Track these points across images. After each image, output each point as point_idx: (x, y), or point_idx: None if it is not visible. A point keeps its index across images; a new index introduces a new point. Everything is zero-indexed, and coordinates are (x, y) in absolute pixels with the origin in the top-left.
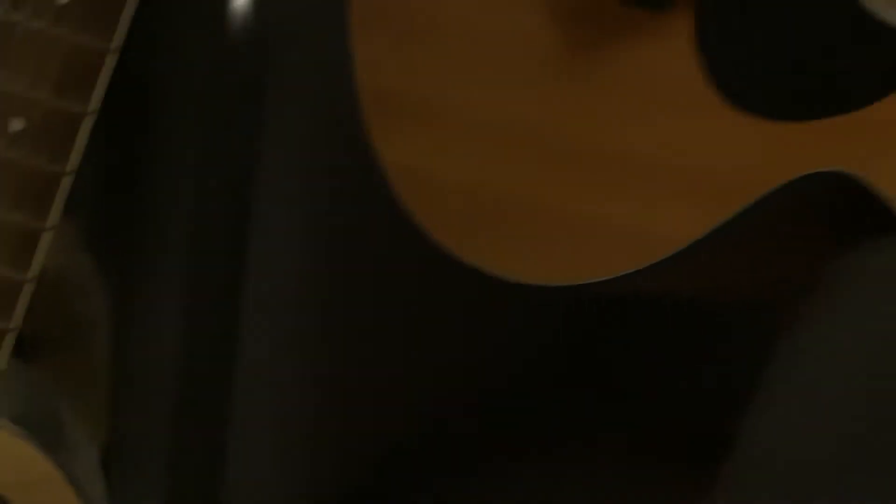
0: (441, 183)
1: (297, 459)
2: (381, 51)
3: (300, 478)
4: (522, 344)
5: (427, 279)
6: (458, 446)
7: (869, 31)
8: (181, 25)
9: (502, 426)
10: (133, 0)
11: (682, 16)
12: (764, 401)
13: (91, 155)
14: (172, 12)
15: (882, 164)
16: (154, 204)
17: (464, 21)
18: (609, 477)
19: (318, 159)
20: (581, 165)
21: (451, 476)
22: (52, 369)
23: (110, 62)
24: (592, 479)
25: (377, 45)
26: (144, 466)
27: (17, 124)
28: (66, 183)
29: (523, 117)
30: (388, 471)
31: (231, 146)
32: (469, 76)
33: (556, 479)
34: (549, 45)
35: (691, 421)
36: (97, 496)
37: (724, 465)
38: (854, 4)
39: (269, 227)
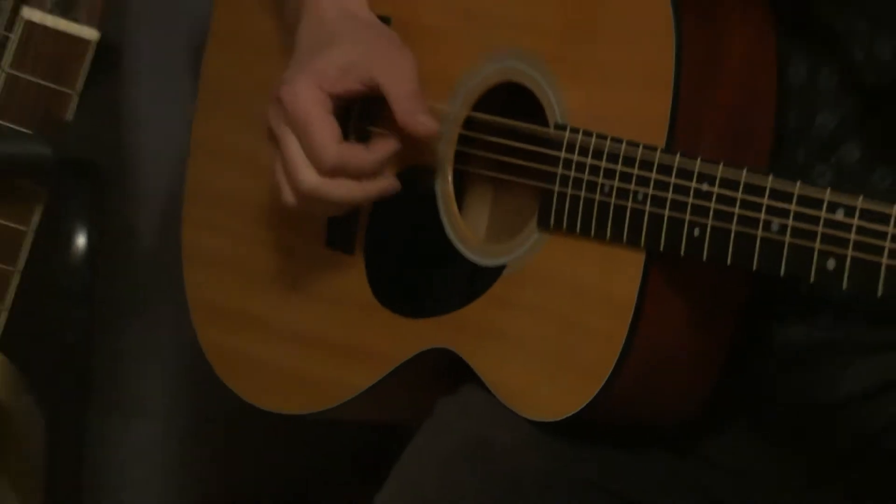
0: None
1: None
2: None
3: None
4: None
5: None
6: None
7: (455, 262)
8: None
9: None
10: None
11: (359, 255)
12: None
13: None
14: None
15: (471, 343)
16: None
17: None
18: None
19: None
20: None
21: None
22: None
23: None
24: None
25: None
26: None
27: None
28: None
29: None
30: None
31: None
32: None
33: None
34: (283, 265)
35: None
36: None
37: None
38: (448, 244)
39: None
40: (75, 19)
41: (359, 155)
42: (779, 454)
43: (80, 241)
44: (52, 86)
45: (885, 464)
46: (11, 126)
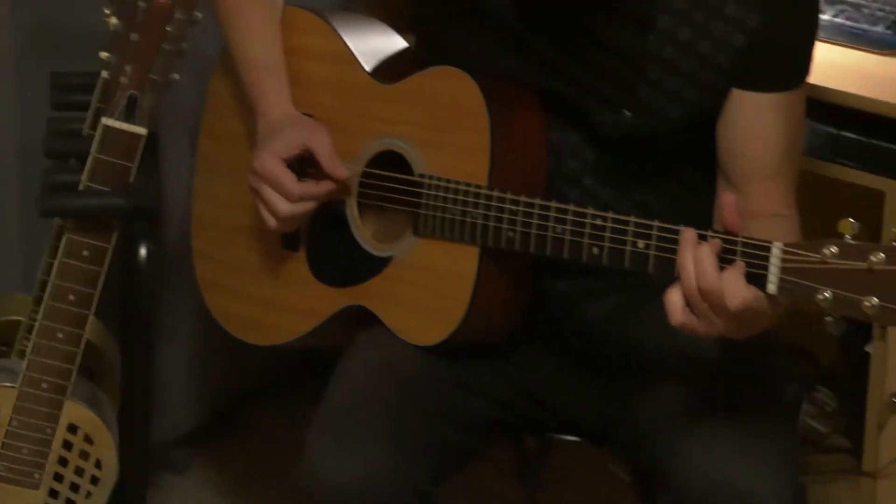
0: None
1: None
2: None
3: None
4: None
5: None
6: None
7: (361, 254)
8: None
9: None
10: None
11: (302, 252)
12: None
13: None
14: None
15: (376, 301)
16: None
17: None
18: None
19: None
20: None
21: None
22: (98, 380)
23: None
24: None
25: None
26: None
27: None
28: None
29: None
30: None
31: None
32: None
33: None
34: (258, 261)
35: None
36: (115, 434)
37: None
38: (356, 244)
39: None
40: (132, 122)
41: (311, 187)
42: (560, 359)
43: (143, 252)
44: (120, 162)
45: (617, 360)
46: (100, 187)
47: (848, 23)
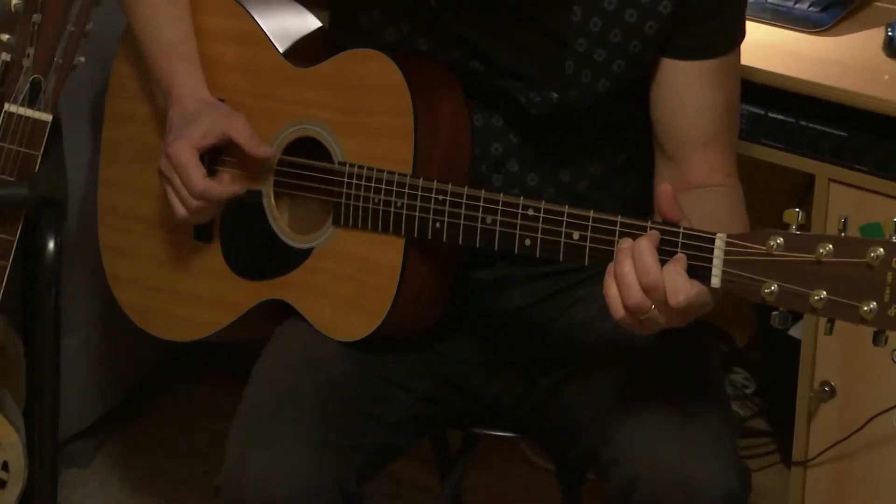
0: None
1: None
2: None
3: None
4: None
5: None
6: None
7: (279, 245)
8: None
9: None
10: None
11: (216, 244)
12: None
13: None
14: None
15: (295, 295)
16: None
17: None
18: None
19: None
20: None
21: None
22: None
23: None
24: None
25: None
26: None
27: None
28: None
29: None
30: None
31: None
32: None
33: None
34: (169, 252)
35: None
36: (22, 434)
37: None
38: (273, 235)
39: None
40: (38, 108)
41: (212, 187)
42: (485, 348)
43: (50, 245)
44: (24, 150)
45: (543, 356)
46: (4, 177)
47: (771, 0)
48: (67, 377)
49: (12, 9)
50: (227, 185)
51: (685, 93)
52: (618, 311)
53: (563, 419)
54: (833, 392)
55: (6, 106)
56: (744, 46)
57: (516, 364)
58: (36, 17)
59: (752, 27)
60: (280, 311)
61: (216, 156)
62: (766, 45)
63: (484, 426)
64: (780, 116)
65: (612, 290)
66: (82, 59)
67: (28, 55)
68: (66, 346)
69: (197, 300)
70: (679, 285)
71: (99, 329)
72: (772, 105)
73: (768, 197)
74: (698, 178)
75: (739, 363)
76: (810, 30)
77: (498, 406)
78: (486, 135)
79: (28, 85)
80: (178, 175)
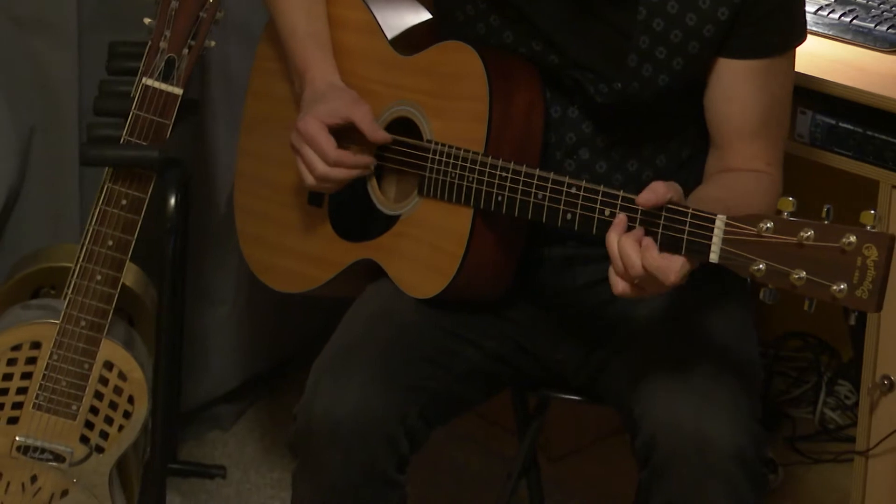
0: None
1: None
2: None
3: None
4: None
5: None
6: None
7: (374, 212)
8: None
9: None
10: None
11: (325, 209)
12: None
13: None
14: None
15: (383, 256)
16: None
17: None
18: None
19: None
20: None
21: None
22: (137, 326)
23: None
24: None
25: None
26: None
27: None
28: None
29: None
30: None
31: None
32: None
33: None
34: (288, 214)
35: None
36: (149, 375)
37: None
38: (371, 203)
39: None
40: (171, 83)
41: (345, 154)
42: (548, 316)
43: (172, 201)
44: (157, 119)
45: (602, 328)
46: (138, 141)
47: (855, 21)
48: (214, 343)
49: None
50: (358, 157)
51: (732, 89)
52: (616, 287)
53: (613, 386)
54: (892, 385)
55: (143, 79)
56: (823, 62)
57: (577, 335)
58: (174, 4)
59: (834, 45)
60: (372, 271)
61: (338, 137)
62: (843, 62)
63: (551, 389)
64: (849, 126)
65: (611, 272)
66: (213, 43)
67: (165, 37)
68: (214, 315)
69: (306, 257)
70: (669, 266)
71: (246, 301)
72: (843, 116)
73: (835, 200)
74: (738, 163)
75: (844, 376)
76: (886, 49)
77: (560, 372)
78: (563, 124)
79: (163, 63)
80: (308, 146)
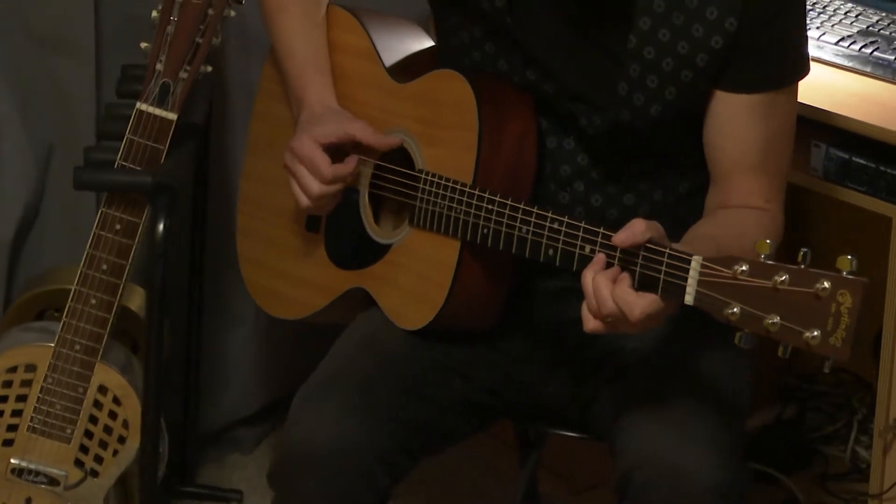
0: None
1: None
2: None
3: None
4: None
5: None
6: None
7: (367, 240)
8: None
9: None
10: None
11: (321, 235)
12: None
13: None
14: None
15: (374, 285)
16: None
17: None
18: None
19: None
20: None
21: None
22: (140, 350)
23: None
24: None
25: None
26: None
27: None
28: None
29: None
30: None
31: None
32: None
33: None
34: (286, 239)
35: None
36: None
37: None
38: (364, 231)
39: None
40: (165, 108)
41: (340, 168)
42: (540, 348)
43: (160, 227)
44: (152, 144)
45: (593, 361)
46: (132, 166)
47: (876, 53)
48: (235, 366)
49: (153, 22)
50: (349, 162)
51: (729, 122)
52: (587, 324)
53: (602, 419)
54: None
55: (138, 104)
56: (841, 95)
57: (568, 368)
58: (170, 29)
59: (853, 78)
60: (365, 299)
61: (332, 157)
62: (860, 95)
63: (542, 423)
64: (862, 161)
65: (584, 309)
66: (209, 68)
67: (160, 61)
68: (233, 337)
69: (302, 283)
70: (634, 303)
71: (265, 323)
72: (856, 150)
73: (847, 236)
74: (735, 199)
75: None
76: None
77: (551, 405)
78: (558, 156)
79: (158, 87)
80: (303, 167)
